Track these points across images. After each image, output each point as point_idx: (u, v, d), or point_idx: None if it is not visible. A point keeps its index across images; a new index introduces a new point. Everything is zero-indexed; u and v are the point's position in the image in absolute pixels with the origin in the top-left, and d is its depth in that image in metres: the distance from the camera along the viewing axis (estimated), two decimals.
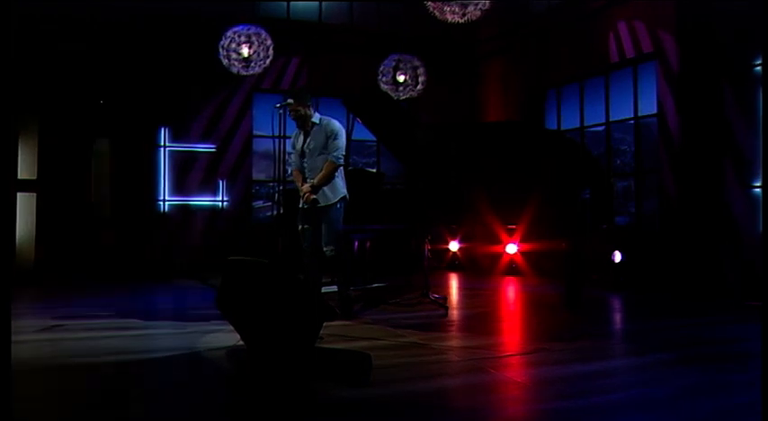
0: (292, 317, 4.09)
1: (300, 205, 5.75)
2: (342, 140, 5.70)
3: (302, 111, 5.64)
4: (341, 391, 3.57)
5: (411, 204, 7.07)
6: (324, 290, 6.25)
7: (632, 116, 9.07)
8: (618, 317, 6.63)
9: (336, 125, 5.74)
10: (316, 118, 5.73)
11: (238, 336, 4.35)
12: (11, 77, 2.12)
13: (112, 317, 5.89)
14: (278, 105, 5.51)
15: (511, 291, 8.50)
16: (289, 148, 6.00)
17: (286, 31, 10.08)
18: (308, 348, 4.15)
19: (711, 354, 4.46)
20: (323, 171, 5.60)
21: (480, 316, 6.36)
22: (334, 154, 5.62)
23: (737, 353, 4.57)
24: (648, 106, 8.76)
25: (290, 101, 5.50)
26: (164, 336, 5.05)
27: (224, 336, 4.72)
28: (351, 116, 6.73)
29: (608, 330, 5.77)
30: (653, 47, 8.47)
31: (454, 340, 5.02)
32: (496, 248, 10.33)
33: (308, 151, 5.70)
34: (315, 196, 5.56)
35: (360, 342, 4.76)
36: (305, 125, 5.72)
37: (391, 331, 5.21)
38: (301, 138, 5.78)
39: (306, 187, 5.59)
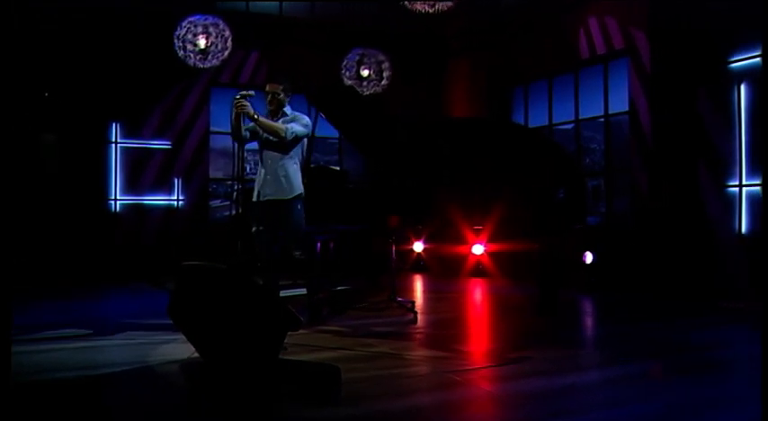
0: (253, 327, 3.74)
1: (254, 198, 5.32)
2: (304, 130, 5.34)
3: (281, 97, 5.32)
4: (307, 410, 3.24)
5: (376, 203, 6.76)
6: (285, 293, 5.89)
7: (602, 114, 8.87)
8: (591, 322, 6.40)
9: (307, 118, 5.44)
10: (288, 109, 5.37)
11: (194, 348, 3.98)
12: None
13: (54, 326, 5.40)
14: (238, 96, 5.02)
15: (479, 294, 8.23)
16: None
17: (245, 24, 9.62)
18: (271, 360, 3.79)
19: (691, 363, 4.21)
20: (275, 124, 5.19)
21: (450, 321, 6.05)
22: (291, 128, 5.22)
23: (717, 361, 4.33)
24: (619, 104, 8.57)
25: (251, 91, 5.07)
26: (111, 349, 4.61)
27: (179, 348, 4.32)
28: (314, 111, 6.38)
29: (582, 336, 5.54)
30: (625, 43, 8.27)
31: (425, 349, 4.69)
32: (462, 249, 10.09)
33: (270, 137, 5.29)
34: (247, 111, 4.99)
35: (327, 352, 4.42)
36: (276, 112, 5.34)
37: (359, 340, 4.87)
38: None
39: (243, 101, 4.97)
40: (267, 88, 5.34)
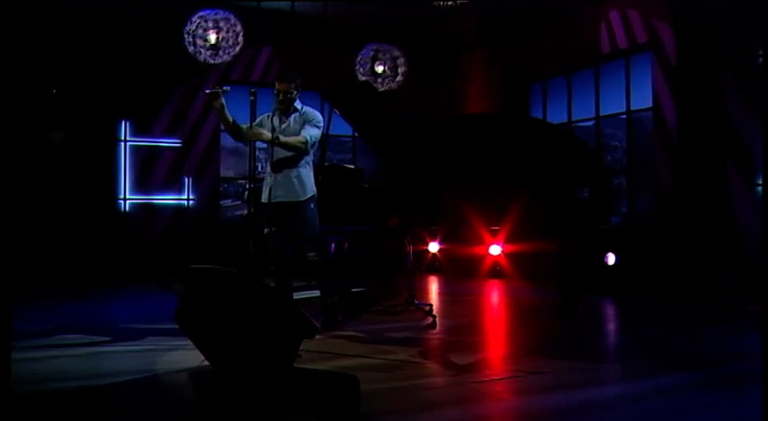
0: (265, 334, 3.51)
1: (264, 199, 5.06)
2: (319, 132, 5.11)
3: (292, 96, 5.03)
4: None
5: (391, 203, 6.54)
6: (298, 296, 5.67)
7: (624, 110, 8.60)
8: (614, 327, 6.12)
9: (319, 116, 5.16)
10: (298, 104, 5.10)
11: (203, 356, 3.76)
12: None
13: (57, 332, 5.21)
14: (208, 91, 4.75)
15: (497, 297, 7.99)
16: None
17: (257, 20, 9.41)
18: (285, 370, 3.57)
19: (726, 375, 3.89)
20: (293, 138, 4.93)
21: (469, 326, 5.80)
22: (307, 133, 4.98)
23: (747, 373, 3.96)
24: (642, 100, 8.31)
25: (225, 87, 4.80)
26: (117, 356, 4.39)
27: (187, 355, 4.09)
28: (328, 108, 6.17)
29: (606, 344, 5.26)
30: (648, 37, 8.00)
31: (445, 357, 4.42)
32: (479, 250, 9.83)
33: (280, 136, 5.05)
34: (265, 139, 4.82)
35: (343, 360, 4.19)
36: (286, 110, 5.10)
37: (377, 347, 4.64)
38: (276, 119, 5.11)
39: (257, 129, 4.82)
40: (277, 87, 5.03)
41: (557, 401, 3.39)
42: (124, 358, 4.30)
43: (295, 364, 3.67)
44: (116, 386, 3.59)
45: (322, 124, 5.15)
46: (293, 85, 5.01)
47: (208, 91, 4.71)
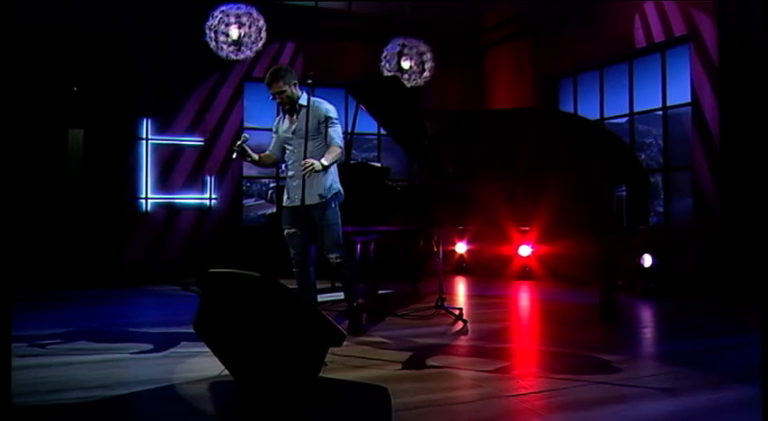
0: (290, 343, 3.28)
1: (286, 202, 4.88)
2: (340, 126, 4.86)
3: (288, 92, 4.72)
4: None
5: (418, 202, 6.31)
6: (321, 299, 5.44)
7: (660, 106, 8.27)
8: (657, 334, 5.78)
9: (329, 106, 4.84)
10: (303, 100, 4.80)
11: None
12: None
13: (70, 336, 5.03)
14: (234, 157, 4.72)
15: (528, 300, 7.70)
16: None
17: (279, 14, 9.21)
18: (310, 381, 3.34)
19: None
20: (332, 154, 4.64)
21: (502, 332, 5.52)
22: (337, 140, 4.74)
23: None
24: (679, 95, 7.98)
25: (246, 136, 4.66)
26: (131, 363, 4.17)
27: (206, 363, 3.88)
28: (355, 105, 5.95)
29: (650, 352, 4.92)
30: (687, 29, 7.66)
31: (479, 366, 4.11)
32: (508, 250, 9.56)
33: (295, 137, 4.81)
34: (318, 170, 4.53)
35: (372, 369, 3.95)
36: (292, 110, 4.83)
37: (406, 354, 4.38)
38: (286, 122, 4.88)
39: (311, 161, 4.49)
40: (270, 91, 4.74)
41: (602, 419, 3.12)
42: (138, 366, 4.08)
43: (321, 374, 3.45)
44: (127, 398, 3.37)
45: (336, 114, 4.87)
46: (281, 83, 4.69)
47: (235, 157, 4.69)
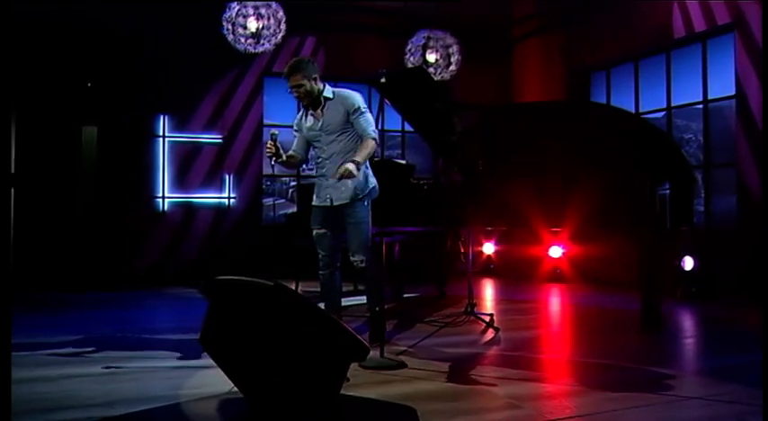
0: (307, 358, 2.94)
1: (316, 202, 4.54)
2: (370, 115, 4.48)
3: (308, 87, 4.33)
4: None
5: (445, 201, 5.96)
6: (345, 303, 5.10)
7: (701, 99, 7.83)
8: (707, 345, 5.33)
9: (355, 95, 4.46)
10: (327, 92, 4.43)
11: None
12: None
13: (80, 343, 4.74)
14: (269, 149, 4.27)
15: (561, 304, 7.31)
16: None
17: (299, 7, 8.87)
18: (330, 400, 3.00)
19: None
20: (365, 148, 4.29)
21: (536, 342, 5.14)
22: (370, 131, 4.37)
23: None
24: (721, 87, 7.53)
25: (275, 131, 4.26)
26: (137, 376, 3.84)
27: (217, 377, 3.53)
28: (379, 100, 5.60)
29: (704, 367, 4.46)
30: (731, 17, 7.21)
31: (514, 383, 3.74)
32: (537, 251, 9.18)
33: (323, 133, 4.46)
34: (355, 175, 4.17)
35: (397, 385, 3.60)
36: (314, 103, 4.45)
37: (435, 366, 4.03)
38: (310, 118, 4.50)
39: (345, 167, 4.11)
40: (288, 84, 4.35)
41: None
42: (145, 379, 3.76)
43: (342, 391, 3.11)
44: (132, 417, 3.05)
45: (363, 102, 4.49)
46: (300, 76, 4.30)
47: (274, 162, 4.28)
